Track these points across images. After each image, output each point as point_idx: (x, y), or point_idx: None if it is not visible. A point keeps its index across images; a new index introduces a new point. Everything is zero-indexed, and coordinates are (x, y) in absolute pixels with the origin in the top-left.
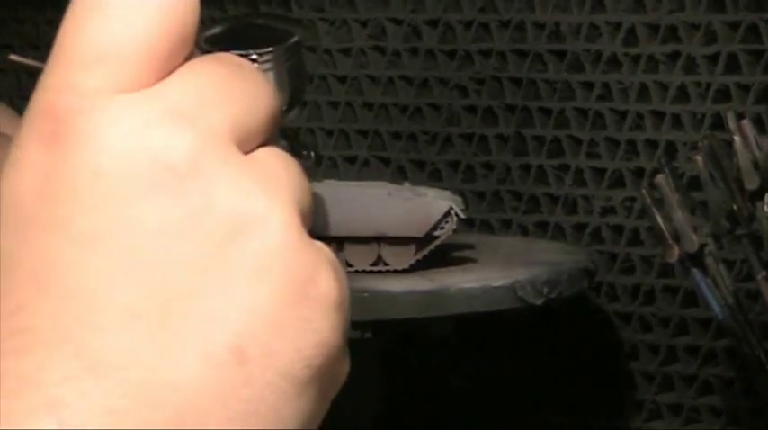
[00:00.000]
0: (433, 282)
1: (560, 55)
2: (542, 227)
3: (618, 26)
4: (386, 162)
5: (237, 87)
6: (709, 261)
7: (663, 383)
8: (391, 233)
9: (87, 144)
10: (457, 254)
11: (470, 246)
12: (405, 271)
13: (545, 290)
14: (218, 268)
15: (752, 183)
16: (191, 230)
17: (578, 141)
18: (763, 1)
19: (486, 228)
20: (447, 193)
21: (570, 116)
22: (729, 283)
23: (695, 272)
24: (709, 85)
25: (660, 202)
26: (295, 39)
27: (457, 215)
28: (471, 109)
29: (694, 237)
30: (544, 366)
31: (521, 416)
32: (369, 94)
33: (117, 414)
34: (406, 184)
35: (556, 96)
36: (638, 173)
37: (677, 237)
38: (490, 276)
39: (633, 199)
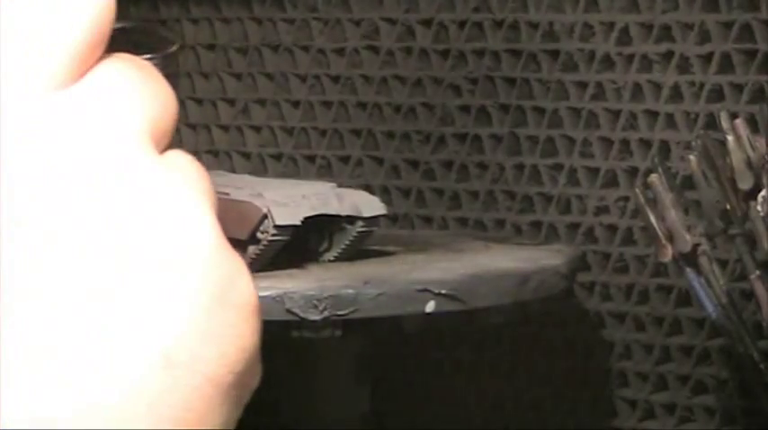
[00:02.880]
0: None
1: (554, 54)
2: (536, 226)
3: (611, 26)
4: (379, 161)
5: (152, 88)
6: (702, 260)
7: (657, 383)
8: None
9: (16, 139)
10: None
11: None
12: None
13: (321, 306)
14: (149, 271)
15: (745, 182)
16: (124, 232)
17: (572, 141)
18: (756, 0)
19: (480, 227)
20: (364, 195)
21: (564, 116)
22: (723, 283)
23: (689, 271)
24: (702, 85)
25: (654, 202)
26: (174, 48)
27: (274, 221)
28: (465, 108)
29: (688, 236)
30: (537, 365)
31: (515, 415)
32: (362, 94)
33: (56, 422)
34: (330, 185)
35: (549, 96)
36: (632, 172)
37: (671, 237)
38: (278, 286)
39: (627, 198)
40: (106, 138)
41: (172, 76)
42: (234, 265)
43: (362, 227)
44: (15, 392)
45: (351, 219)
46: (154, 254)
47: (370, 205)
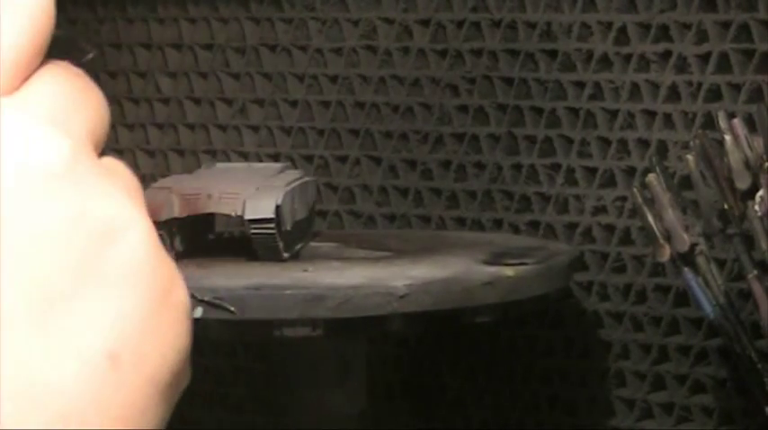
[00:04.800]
0: None
1: (552, 54)
2: (534, 226)
3: (609, 25)
4: (377, 161)
5: (87, 96)
6: (700, 260)
7: (654, 382)
8: None
9: None
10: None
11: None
12: None
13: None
14: (93, 273)
15: (743, 182)
16: (69, 235)
17: (570, 141)
18: (754, 0)
19: (478, 227)
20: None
21: (562, 115)
22: (721, 283)
23: (686, 271)
24: (700, 85)
25: (651, 202)
26: (90, 56)
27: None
28: (463, 108)
29: (685, 236)
30: (535, 365)
31: (512, 415)
32: (360, 94)
33: None
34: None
35: (547, 96)
36: (630, 172)
37: (668, 237)
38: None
39: (624, 198)
40: (48, 144)
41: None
42: (170, 269)
43: (252, 228)
44: None
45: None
46: (97, 257)
47: (265, 206)
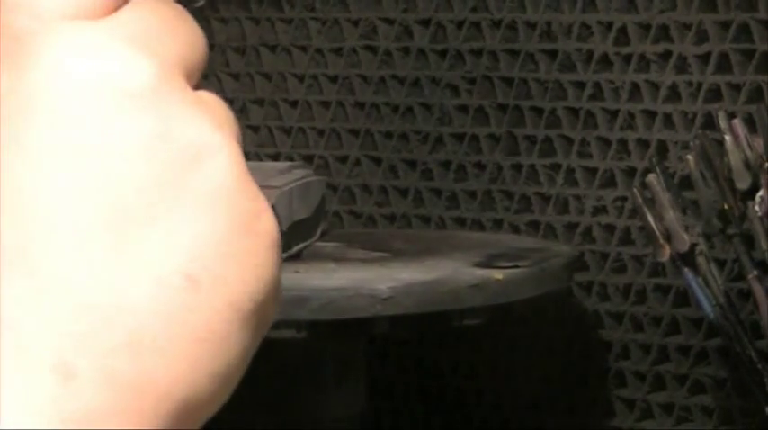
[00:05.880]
0: None
1: (552, 54)
2: (534, 226)
3: (609, 26)
4: (377, 161)
5: (182, 25)
6: (700, 260)
7: (654, 382)
8: None
9: (45, 66)
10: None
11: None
12: None
13: None
14: (173, 194)
15: (743, 182)
16: (148, 155)
17: (570, 141)
18: (754, 1)
19: (478, 227)
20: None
21: (562, 116)
22: (721, 283)
23: (686, 271)
24: (700, 85)
25: (651, 202)
26: (201, 2)
27: None
28: (463, 108)
29: (685, 236)
30: (535, 365)
31: (513, 415)
32: (360, 94)
33: (71, 336)
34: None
35: (547, 96)
36: (630, 172)
37: (668, 237)
38: None
39: (624, 198)
40: (132, 64)
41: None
42: (258, 199)
43: None
44: (36, 309)
45: None
46: (180, 178)
47: None
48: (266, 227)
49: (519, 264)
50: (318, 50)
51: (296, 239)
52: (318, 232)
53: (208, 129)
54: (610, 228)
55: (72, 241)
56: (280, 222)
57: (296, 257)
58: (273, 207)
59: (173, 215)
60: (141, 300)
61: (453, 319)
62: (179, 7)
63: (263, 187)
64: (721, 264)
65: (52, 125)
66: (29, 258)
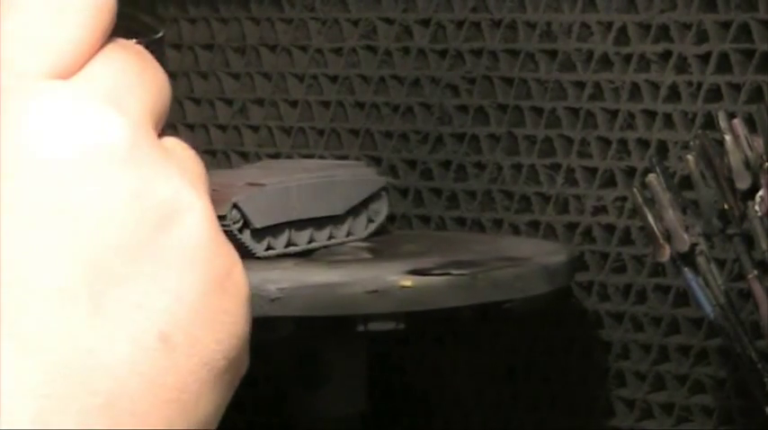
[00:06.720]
0: None
1: (552, 54)
2: (534, 226)
3: (609, 25)
4: (377, 161)
5: (149, 74)
6: (700, 260)
7: (655, 382)
8: None
9: (25, 127)
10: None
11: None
12: None
13: None
14: (149, 253)
15: (743, 182)
16: (125, 214)
17: (570, 141)
18: (754, 0)
19: (478, 227)
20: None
21: (562, 115)
22: (721, 283)
23: (686, 271)
24: (700, 85)
25: (651, 202)
26: (160, 34)
27: None
28: (463, 108)
29: (686, 236)
30: (535, 365)
31: (513, 415)
32: (360, 94)
33: (51, 398)
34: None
35: (547, 96)
36: (630, 172)
37: (668, 237)
38: None
39: (624, 198)
40: (107, 125)
41: (158, 61)
42: (229, 254)
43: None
44: (15, 370)
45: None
46: (154, 239)
47: (222, 204)
48: (237, 283)
49: (451, 271)
50: (318, 50)
51: (297, 239)
52: (358, 230)
53: (180, 186)
54: (610, 228)
55: (50, 301)
56: (251, 220)
57: (307, 255)
58: (236, 205)
59: (148, 275)
60: (118, 362)
61: (356, 324)
62: (145, 53)
63: (254, 185)
64: (721, 264)
65: (31, 185)
66: (7, 319)
